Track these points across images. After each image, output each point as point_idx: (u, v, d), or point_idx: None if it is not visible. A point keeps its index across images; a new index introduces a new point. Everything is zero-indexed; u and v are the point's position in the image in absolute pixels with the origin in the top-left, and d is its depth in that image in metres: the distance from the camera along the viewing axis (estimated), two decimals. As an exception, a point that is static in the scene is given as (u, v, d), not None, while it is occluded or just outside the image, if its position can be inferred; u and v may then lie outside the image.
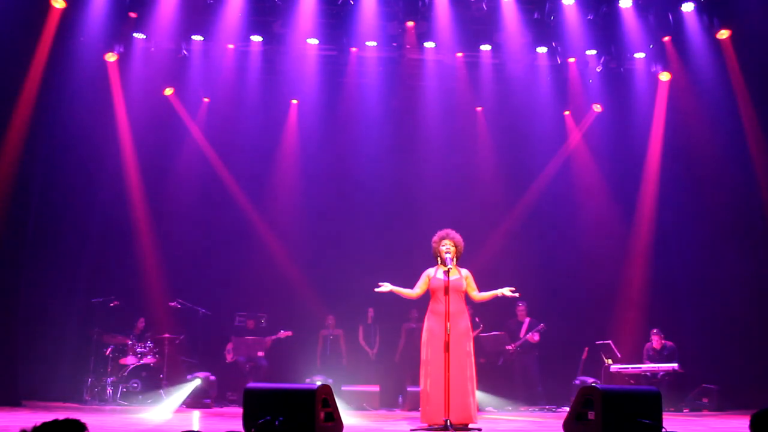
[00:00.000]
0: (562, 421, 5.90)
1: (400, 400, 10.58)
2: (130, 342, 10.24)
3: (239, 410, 5.30)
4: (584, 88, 11.85)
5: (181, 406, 9.60)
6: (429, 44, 11.18)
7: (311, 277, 11.99)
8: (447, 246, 6.71)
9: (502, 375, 10.82)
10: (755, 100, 10.10)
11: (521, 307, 11.04)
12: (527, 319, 11.01)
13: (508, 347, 11.00)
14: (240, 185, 12.27)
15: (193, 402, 9.68)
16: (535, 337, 10.78)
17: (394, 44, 11.20)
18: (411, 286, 6.89)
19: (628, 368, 10.40)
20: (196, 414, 8.84)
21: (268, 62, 11.74)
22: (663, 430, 5.32)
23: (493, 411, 9.99)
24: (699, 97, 10.90)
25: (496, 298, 6.88)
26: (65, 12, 9.69)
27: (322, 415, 5.09)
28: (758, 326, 10.14)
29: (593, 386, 5.68)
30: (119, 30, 10.60)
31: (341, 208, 12.27)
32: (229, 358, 10.94)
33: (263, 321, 11.21)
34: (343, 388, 10.06)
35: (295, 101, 12.44)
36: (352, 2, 10.39)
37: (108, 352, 10.10)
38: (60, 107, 10.10)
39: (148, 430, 6.58)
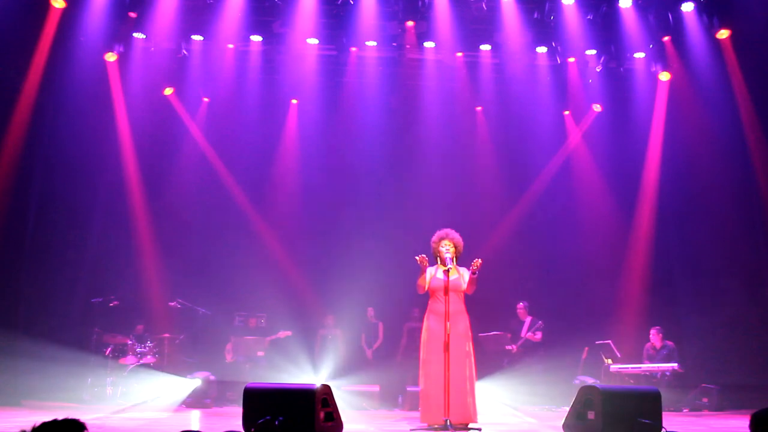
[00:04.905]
0: (562, 421, 5.90)
1: (400, 400, 10.56)
2: (130, 342, 10.22)
3: (239, 410, 5.29)
4: (584, 88, 11.85)
5: (180, 405, 9.61)
6: (429, 44, 11.17)
7: (311, 277, 11.99)
8: (446, 246, 6.70)
9: (503, 374, 10.83)
10: (755, 100, 10.11)
11: (521, 307, 11.04)
12: (528, 318, 11.00)
13: (508, 347, 11.00)
14: (240, 185, 12.26)
15: (193, 402, 9.68)
16: (536, 336, 10.77)
17: (394, 44, 11.19)
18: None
19: (628, 368, 10.40)
20: (196, 414, 8.84)
21: (268, 62, 11.74)
22: (663, 429, 5.33)
23: (492, 411, 9.98)
24: (699, 97, 10.90)
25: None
26: (65, 12, 9.69)
27: (322, 415, 5.09)
28: (758, 326, 10.14)
29: (593, 386, 5.68)
30: (119, 30, 10.59)
31: (341, 207, 12.26)
32: (229, 358, 10.94)
33: (263, 321, 11.21)
34: (343, 388, 10.06)
35: (295, 101, 12.44)
36: (351, 2, 10.38)
37: (108, 352, 10.09)
38: (60, 107, 10.10)
39: (148, 431, 6.58)
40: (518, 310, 11.08)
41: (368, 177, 12.16)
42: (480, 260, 6.48)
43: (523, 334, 10.91)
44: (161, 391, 9.77)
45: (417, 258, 6.61)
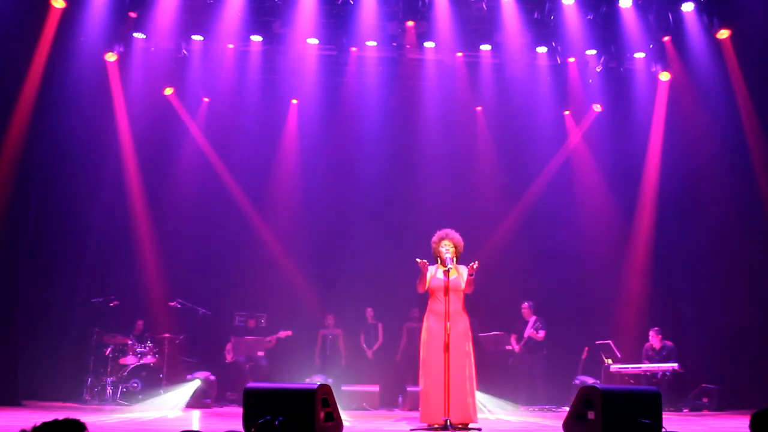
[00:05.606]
0: (562, 421, 5.91)
1: (400, 400, 10.58)
2: (130, 342, 10.24)
3: (239, 410, 5.30)
4: (584, 88, 11.85)
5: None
6: (429, 44, 11.18)
7: (311, 277, 12.00)
8: (447, 246, 6.70)
9: (504, 374, 10.83)
10: (755, 100, 10.09)
11: (526, 306, 11.06)
12: (532, 318, 11.01)
13: (508, 347, 11.01)
14: (240, 185, 12.27)
15: (193, 402, 9.68)
16: (539, 334, 10.76)
17: (394, 44, 11.20)
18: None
19: (628, 368, 10.40)
20: (196, 414, 8.85)
21: (268, 62, 11.75)
22: (663, 430, 5.32)
23: (493, 411, 9.99)
24: (699, 97, 10.89)
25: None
26: (65, 12, 9.68)
27: (322, 414, 5.09)
28: (758, 326, 10.13)
29: (593, 386, 5.68)
30: (119, 30, 10.59)
31: (341, 207, 12.27)
32: (229, 357, 10.94)
33: (263, 321, 11.21)
34: (343, 388, 10.06)
35: (295, 101, 12.44)
36: (351, 2, 10.38)
37: (108, 352, 10.10)
38: (60, 107, 10.09)
39: (147, 431, 6.58)
40: (523, 310, 11.09)
41: (368, 177, 12.16)
42: (477, 262, 6.48)
43: (526, 333, 10.92)
44: (162, 398, 9.79)
45: (418, 261, 6.61)
